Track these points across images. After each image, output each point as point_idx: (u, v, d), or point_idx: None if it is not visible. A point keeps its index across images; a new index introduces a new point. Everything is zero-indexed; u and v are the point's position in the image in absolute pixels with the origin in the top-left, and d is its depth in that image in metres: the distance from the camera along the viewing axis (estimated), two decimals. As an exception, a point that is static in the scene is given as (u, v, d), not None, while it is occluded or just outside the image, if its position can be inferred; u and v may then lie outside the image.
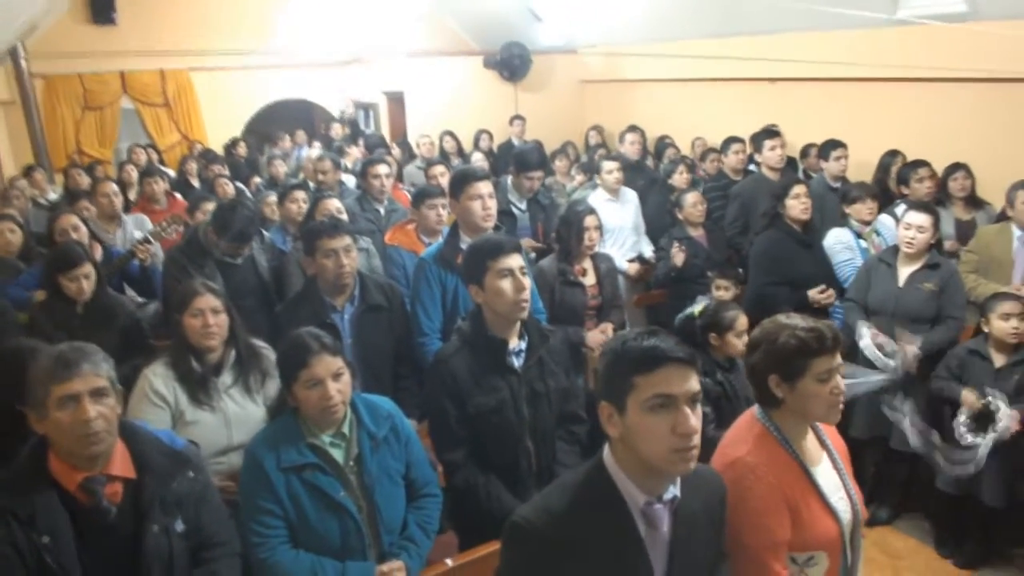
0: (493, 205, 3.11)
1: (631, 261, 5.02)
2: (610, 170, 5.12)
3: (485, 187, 3.10)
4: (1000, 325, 3.23)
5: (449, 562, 2.22)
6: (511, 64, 9.06)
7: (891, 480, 3.78)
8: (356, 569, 2.06)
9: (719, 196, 5.29)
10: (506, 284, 2.24)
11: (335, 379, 2.09)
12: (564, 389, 2.42)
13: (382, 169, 4.63)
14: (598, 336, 3.59)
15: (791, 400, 1.78)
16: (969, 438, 3.18)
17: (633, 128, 6.26)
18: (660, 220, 5.24)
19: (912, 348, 3.42)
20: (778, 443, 1.80)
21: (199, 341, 2.52)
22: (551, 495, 1.49)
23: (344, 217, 3.83)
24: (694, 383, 1.39)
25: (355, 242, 3.12)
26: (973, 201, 4.62)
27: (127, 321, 3.31)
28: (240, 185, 6.62)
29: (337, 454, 2.12)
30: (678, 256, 4.51)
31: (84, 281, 3.19)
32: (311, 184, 5.50)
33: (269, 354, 2.69)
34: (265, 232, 3.91)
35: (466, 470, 2.29)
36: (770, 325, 1.84)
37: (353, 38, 10.01)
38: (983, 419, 3.18)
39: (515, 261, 2.27)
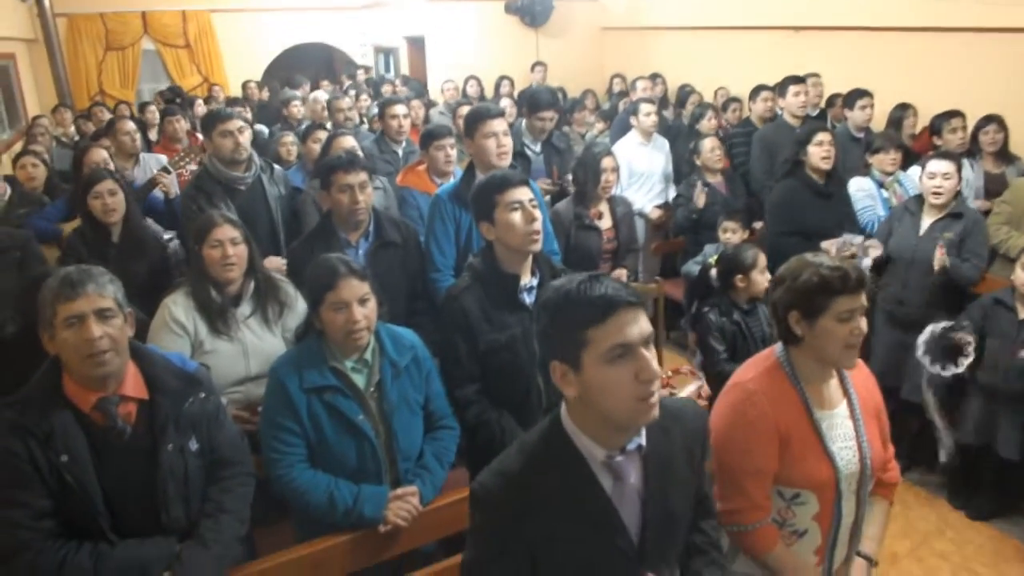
0: (508, 142, 3.08)
1: (656, 208, 5.00)
2: (648, 112, 5.06)
3: (499, 124, 3.07)
4: (1019, 273, 3.19)
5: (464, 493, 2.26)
6: (532, 9, 8.88)
7: (904, 430, 3.79)
8: (370, 491, 2.10)
9: (744, 142, 5.21)
10: (516, 217, 2.22)
11: (361, 304, 2.10)
12: None
13: (400, 109, 4.59)
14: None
15: (810, 338, 1.78)
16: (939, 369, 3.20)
17: (653, 76, 6.14)
18: (683, 168, 5.20)
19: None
20: (787, 377, 1.81)
21: (219, 272, 2.54)
22: (507, 458, 1.43)
23: (360, 154, 3.81)
24: (646, 324, 1.32)
25: (371, 180, 3.12)
26: (1004, 155, 4.51)
27: (156, 255, 3.36)
28: (261, 127, 6.62)
29: (359, 379, 2.16)
30: (700, 197, 4.47)
31: (109, 198, 3.23)
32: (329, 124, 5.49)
33: (287, 287, 2.72)
34: (277, 166, 3.91)
35: (478, 406, 2.30)
36: (795, 262, 1.83)
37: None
38: (951, 352, 3.19)
39: (524, 193, 2.26)
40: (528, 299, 2.30)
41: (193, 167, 4.39)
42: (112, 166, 4.03)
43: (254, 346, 2.57)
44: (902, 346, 3.62)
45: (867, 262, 3.54)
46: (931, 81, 5.41)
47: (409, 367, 2.23)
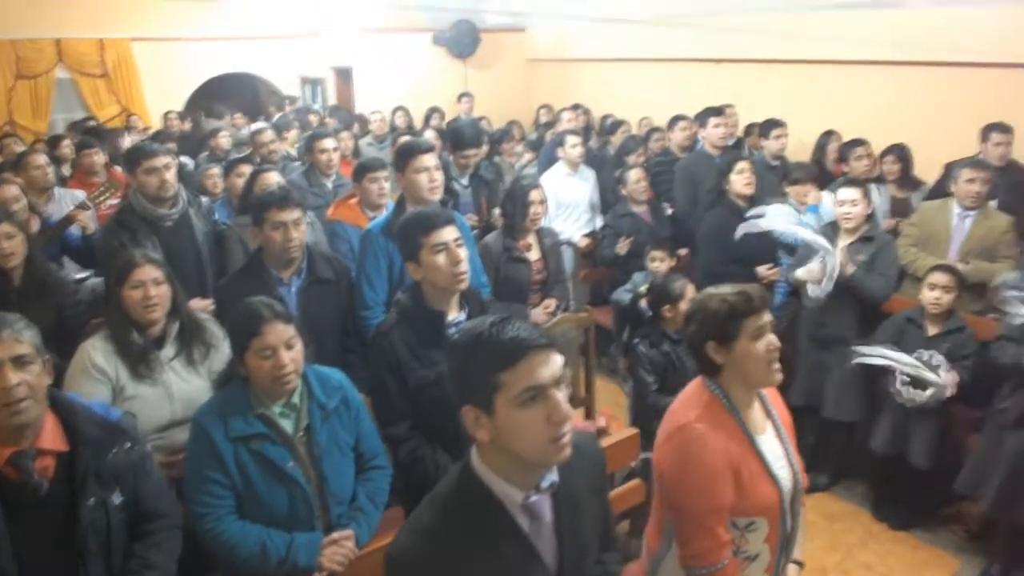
0: (439, 177, 3.11)
1: (584, 236, 5.10)
2: (574, 144, 5.18)
3: (431, 159, 3.09)
4: (925, 293, 3.39)
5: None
6: (460, 41, 9.00)
7: (829, 447, 3.94)
8: (304, 539, 2.06)
9: (665, 171, 5.38)
10: (441, 259, 2.23)
11: (288, 348, 2.07)
12: None
13: (329, 143, 4.56)
14: (541, 313, 3.62)
15: (730, 364, 1.84)
16: (911, 395, 3.33)
17: (575, 106, 6.31)
18: (608, 198, 5.33)
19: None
20: (725, 410, 1.86)
21: (141, 314, 2.46)
22: (422, 516, 1.38)
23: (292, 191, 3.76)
24: (558, 365, 1.31)
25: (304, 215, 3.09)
26: (908, 181, 4.80)
27: (63, 299, 3.20)
28: (185, 159, 6.46)
29: (287, 424, 2.11)
30: (623, 247, 4.62)
31: (5, 242, 3.08)
32: (258, 158, 5.39)
33: (213, 327, 2.65)
34: (204, 199, 3.82)
35: (411, 443, 2.29)
36: (700, 297, 1.93)
37: (301, 11, 9.79)
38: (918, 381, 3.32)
39: (448, 234, 2.27)
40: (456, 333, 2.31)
41: (113, 201, 4.24)
42: (26, 202, 3.87)
43: (179, 389, 2.49)
44: (823, 367, 3.77)
45: (833, 261, 3.62)
46: (841, 111, 5.73)
47: (338, 408, 2.20)
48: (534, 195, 3.68)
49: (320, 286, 2.93)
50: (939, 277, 3.37)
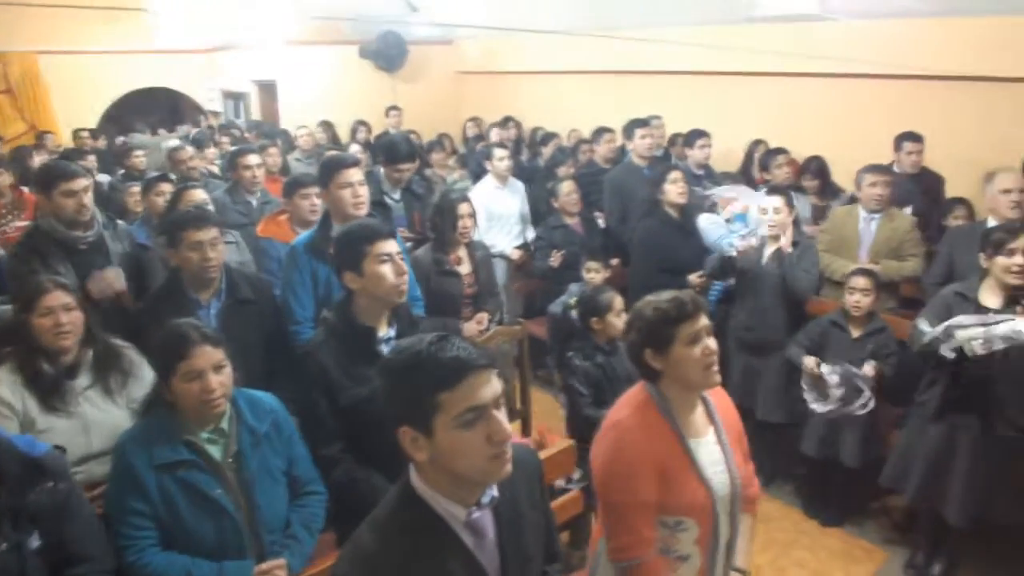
0: (364, 192, 3.06)
1: (516, 248, 5.10)
2: (501, 157, 5.20)
3: (355, 174, 3.04)
4: (846, 297, 3.53)
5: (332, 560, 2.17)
6: (387, 54, 8.92)
7: (762, 449, 4.02)
8: (233, 568, 1.98)
9: (591, 183, 5.44)
10: (386, 269, 2.21)
11: (217, 371, 2.00)
12: None
13: (252, 159, 4.45)
14: (473, 327, 3.60)
15: (669, 369, 1.88)
16: (815, 406, 3.48)
17: (506, 119, 6.34)
18: (540, 209, 5.35)
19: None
20: (658, 411, 1.90)
21: (51, 342, 2.34)
22: (363, 539, 1.36)
23: (211, 208, 3.64)
24: (498, 385, 1.31)
25: (223, 234, 2.99)
26: (827, 189, 4.98)
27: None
28: (102, 177, 6.20)
29: (215, 451, 2.04)
30: (556, 259, 4.64)
31: None
32: (175, 175, 5.21)
33: (131, 353, 2.53)
34: (120, 222, 3.66)
35: (345, 464, 2.23)
36: (638, 305, 1.96)
37: (220, 23, 9.56)
38: (822, 390, 3.46)
39: (393, 246, 2.25)
40: (386, 350, 2.27)
41: (19, 223, 4.02)
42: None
43: (96, 420, 2.37)
44: (753, 370, 3.88)
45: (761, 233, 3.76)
46: (763, 121, 5.92)
47: (269, 433, 2.13)
48: (462, 208, 3.66)
49: (241, 307, 2.85)
50: (859, 281, 3.50)
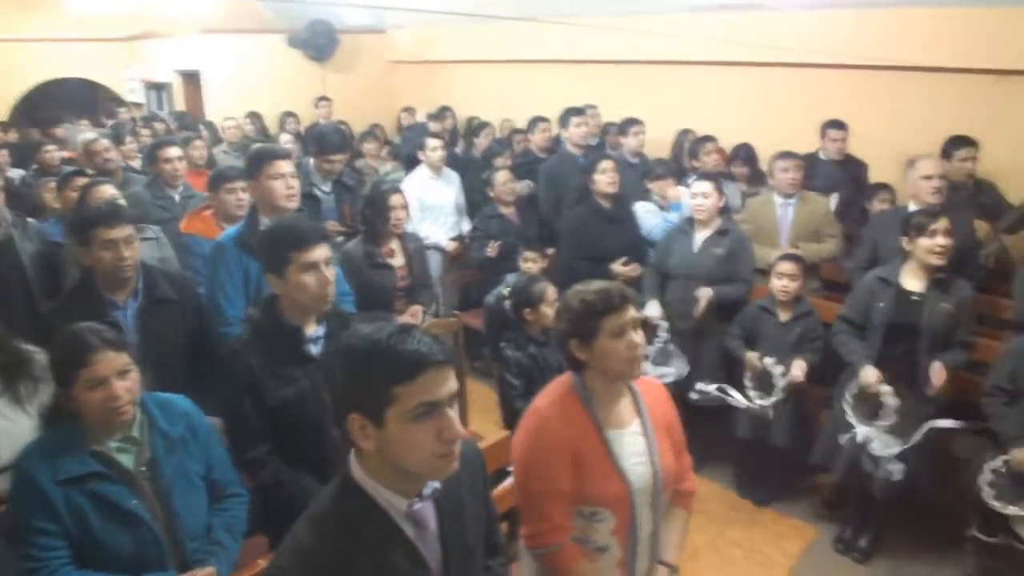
0: (296, 184, 2.97)
1: (452, 240, 5.05)
2: (434, 147, 5.13)
3: (287, 166, 2.95)
4: (773, 283, 3.59)
5: (262, 563, 2.10)
6: (317, 43, 8.72)
7: (696, 432, 4.07)
8: (154, 582, 1.89)
9: (527, 172, 5.43)
10: (310, 279, 2.14)
11: (121, 377, 1.90)
12: None
13: (173, 151, 4.28)
14: (408, 320, 3.55)
15: (593, 361, 1.86)
16: (757, 401, 3.54)
17: (442, 109, 6.28)
18: (476, 199, 5.32)
19: (705, 292, 3.75)
20: (579, 400, 1.89)
21: None
22: (301, 533, 1.34)
23: (123, 203, 3.49)
24: (453, 383, 1.31)
25: (139, 231, 2.86)
26: (756, 176, 5.08)
27: None
28: (14, 172, 5.90)
29: (126, 460, 1.94)
30: (492, 250, 4.61)
31: None
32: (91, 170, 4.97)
33: (41, 358, 2.39)
34: (31, 219, 3.48)
35: (272, 466, 2.16)
36: (566, 296, 1.94)
37: (137, 10, 9.17)
38: (766, 381, 3.53)
39: (320, 253, 2.17)
40: (315, 349, 2.21)
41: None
42: None
43: (5, 431, 2.22)
44: (687, 355, 3.90)
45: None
46: (694, 109, 6.01)
47: (184, 437, 2.04)
48: (394, 200, 3.60)
49: (160, 307, 2.73)
50: (785, 266, 3.57)
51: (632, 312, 1.86)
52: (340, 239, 3.88)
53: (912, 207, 3.70)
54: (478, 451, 1.63)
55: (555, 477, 1.83)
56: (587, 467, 1.85)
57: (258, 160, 2.97)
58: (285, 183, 2.92)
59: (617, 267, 4.21)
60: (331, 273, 2.19)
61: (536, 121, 5.76)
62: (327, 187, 4.27)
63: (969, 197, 4.17)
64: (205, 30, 8.65)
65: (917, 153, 3.95)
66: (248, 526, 2.18)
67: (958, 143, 4.23)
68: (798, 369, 3.44)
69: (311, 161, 4.43)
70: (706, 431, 4.05)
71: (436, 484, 1.39)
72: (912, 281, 3.15)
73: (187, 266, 3.42)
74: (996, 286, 3.97)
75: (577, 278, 2.06)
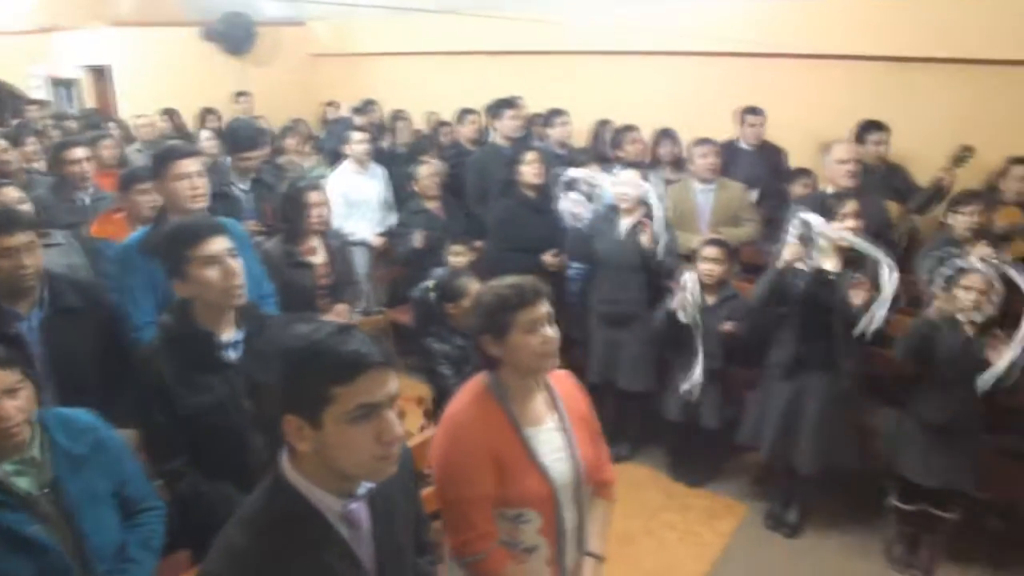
0: (202, 184, 2.83)
1: (379, 235, 4.97)
2: (359, 141, 5.03)
3: (192, 164, 2.82)
4: (699, 266, 3.65)
5: (186, 578, 2.03)
6: (233, 36, 8.43)
7: (627, 419, 4.14)
8: (62, 609, 1.78)
9: (455, 165, 5.37)
10: (212, 273, 2.03)
11: (10, 396, 1.78)
12: None
13: (79, 152, 4.06)
14: (332, 320, 3.46)
15: (506, 356, 1.83)
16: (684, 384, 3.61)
17: (367, 102, 6.17)
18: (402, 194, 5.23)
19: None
20: (494, 399, 1.85)
21: None
22: (231, 535, 1.30)
23: (26, 207, 3.30)
24: (394, 385, 1.29)
25: (43, 237, 2.71)
26: (680, 163, 5.15)
27: None
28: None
29: (23, 483, 1.81)
30: (418, 239, 4.55)
31: None
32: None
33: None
34: None
35: (190, 478, 2.08)
36: (479, 291, 1.92)
37: (44, 1, 8.69)
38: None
39: (219, 244, 2.07)
40: (233, 354, 2.13)
41: None
42: None
43: None
44: (615, 342, 3.96)
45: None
46: (615, 99, 6.04)
47: (90, 454, 1.93)
48: (312, 197, 3.51)
49: (67, 316, 2.58)
50: (710, 251, 3.63)
51: (545, 306, 1.83)
52: (259, 239, 3.76)
53: (830, 191, 3.81)
54: (407, 450, 1.60)
55: (477, 482, 1.79)
56: (508, 468, 1.81)
57: (162, 160, 2.84)
58: (190, 183, 2.80)
59: (547, 258, 4.21)
60: (237, 264, 2.09)
61: (465, 113, 5.71)
62: (245, 185, 4.14)
63: (881, 179, 4.32)
64: (115, 23, 8.26)
65: (833, 138, 4.07)
66: (167, 539, 2.08)
67: (870, 128, 4.39)
68: (728, 326, 3.52)
69: (229, 159, 4.28)
70: (636, 416, 4.12)
71: (370, 484, 1.37)
72: (828, 262, 3.25)
73: (99, 272, 3.25)
74: (909, 264, 4.12)
75: (506, 269, 2.03)
